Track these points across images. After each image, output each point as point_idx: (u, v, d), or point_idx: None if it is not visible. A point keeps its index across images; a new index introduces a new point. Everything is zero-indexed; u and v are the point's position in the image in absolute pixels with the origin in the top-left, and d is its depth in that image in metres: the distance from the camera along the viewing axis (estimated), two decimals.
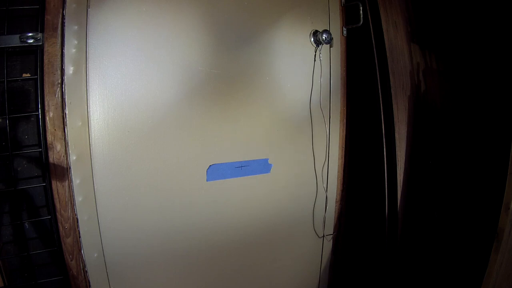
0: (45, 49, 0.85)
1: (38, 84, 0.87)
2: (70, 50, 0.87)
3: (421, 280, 1.20)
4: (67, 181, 0.90)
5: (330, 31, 1.18)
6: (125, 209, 0.99)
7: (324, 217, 1.32)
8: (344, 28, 1.25)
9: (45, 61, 0.86)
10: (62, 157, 0.89)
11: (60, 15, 0.86)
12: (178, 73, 1.00)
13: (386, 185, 1.20)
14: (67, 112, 0.88)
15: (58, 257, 0.94)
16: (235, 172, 1.13)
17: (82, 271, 0.96)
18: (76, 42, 0.88)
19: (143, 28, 0.95)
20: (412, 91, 1.19)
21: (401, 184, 1.17)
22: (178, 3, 0.98)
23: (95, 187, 0.94)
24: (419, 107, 1.20)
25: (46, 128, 0.87)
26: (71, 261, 0.94)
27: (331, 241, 1.37)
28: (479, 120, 1.13)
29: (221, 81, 1.06)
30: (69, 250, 0.93)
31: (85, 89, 0.90)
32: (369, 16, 1.18)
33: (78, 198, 0.93)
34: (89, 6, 0.88)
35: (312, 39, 1.18)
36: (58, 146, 0.89)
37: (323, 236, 1.34)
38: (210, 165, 1.09)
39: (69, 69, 0.88)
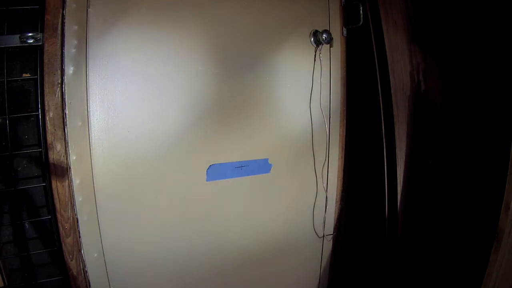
0: (45, 49, 0.85)
1: (38, 84, 0.87)
2: (70, 50, 0.87)
3: (421, 280, 1.20)
4: (67, 181, 0.90)
5: (330, 31, 1.18)
6: (125, 209, 0.99)
7: (324, 217, 1.32)
8: (344, 28, 1.25)
9: (45, 61, 0.86)
10: (62, 157, 0.89)
11: (60, 15, 0.86)
12: (178, 73, 1.00)
13: (386, 185, 1.20)
14: (67, 112, 0.88)
15: (58, 257, 0.94)
16: (235, 172, 1.13)
17: (82, 271, 0.96)
18: (76, 42, 0.88)
19: (144, 27, 0.95)
20: (412, 91, 1.19)
21: (401, 184, 1.17)
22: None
23: (95, 187, 0.94)
24: (419, 107, 1.20)
25: (46, 128, 0.87)
26: (71, 261, 0.94)
27: (331, 241, 1.37)
28: (479, 120, 1.13)
29: (221, 81, 1.06)
30: (69, 250, 0.93)
31: (85, 89, 0.90)
32: (369, 16, 1.18)
33: (78, 198, 0.93)
34: (89, 6, 0.88)
35: (312, 39, 1.18)
36: (58, 146, 0.89)
37: (323, 236, 1.34)
38: (210, 165, 1.09)
39: (69, 69, 0.88)
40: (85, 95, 0.90)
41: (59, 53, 0.87)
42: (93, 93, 0.91)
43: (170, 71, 0.99)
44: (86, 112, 0.91)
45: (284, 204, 1.25)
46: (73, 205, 0.92)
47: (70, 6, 0.86)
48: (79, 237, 0.94)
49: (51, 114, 0.88)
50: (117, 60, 0.92)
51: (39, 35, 0.84)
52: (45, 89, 0.86)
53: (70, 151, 0.90)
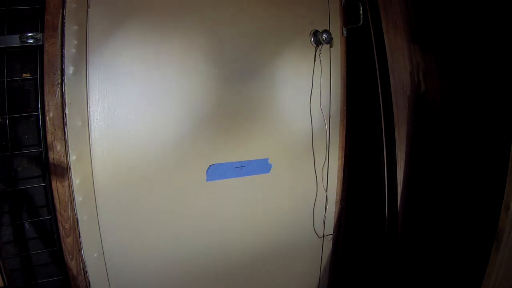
0: (45, 49, 0.85)
1: (38, 84, 0.87)
2: (70, 50, 0.87)
3: (421, 280, 1.20)
4: (67, 181, 0.90)
5: (330, 31, 1.18)
6: (125, 209, 0.99)
7: (324, 217, 1.32)
8: (344, 28, 1.25)
9: (45, 61, 0.86)
10: (62, 157, 0.89)
11: (60, 15, 0.86)
12: (179, 73, 1.00)
13: (386, 185, 1.20)
14: (67, 112, 0.88)
15: (58, 257, 0.94)
16: (235, 172, 1.13)
17: (82, 271, 0.96)
18: (76, 42, 0.88)
19: (145, 27, 0.95)
20: (412, 91, 1.19)
21: (401, 184, 1.17)
22: None
23: (95, 187, 0.94)
24: (419, 107, 1.20)
25: (46, 128, 0.87)
26: (71, 261, 0.94)
27: (331, 241, 1.37)
28: (479, 120, 1.13)
29: (221, 82, 1.06)
30: (69, 250, 0.93)
31: (85, 89, 0.90)
32: (369, 16, 1.18)
33: (78, 198, 0.93)
34: (89, 6, 0.88)
35: (312, 39, 1.18)
36: (58, 146, 0.89)
37: (323, 236, 1.34)
38: (210, 165, 1.09)
39: (69, 69, 0.88)
40: (85, 95, 0.90)
41: (59, 53, 0.87)
42: (93, 93, 0.91)
43: (170, 71, 0.99)
44: (86, 112, 0.91)
45: (284, 204, 1.25)
46: (73, 205, 0.92)
47: (70, 6, 0.86)
48: (79, 237, 0.94)
49: (51, 114, 0.88)
50: (117, 60, 0.92)
51: (39, 35, 0.84)
52: (45, 89, 0.86)
53: (70, 151, 0.90)
